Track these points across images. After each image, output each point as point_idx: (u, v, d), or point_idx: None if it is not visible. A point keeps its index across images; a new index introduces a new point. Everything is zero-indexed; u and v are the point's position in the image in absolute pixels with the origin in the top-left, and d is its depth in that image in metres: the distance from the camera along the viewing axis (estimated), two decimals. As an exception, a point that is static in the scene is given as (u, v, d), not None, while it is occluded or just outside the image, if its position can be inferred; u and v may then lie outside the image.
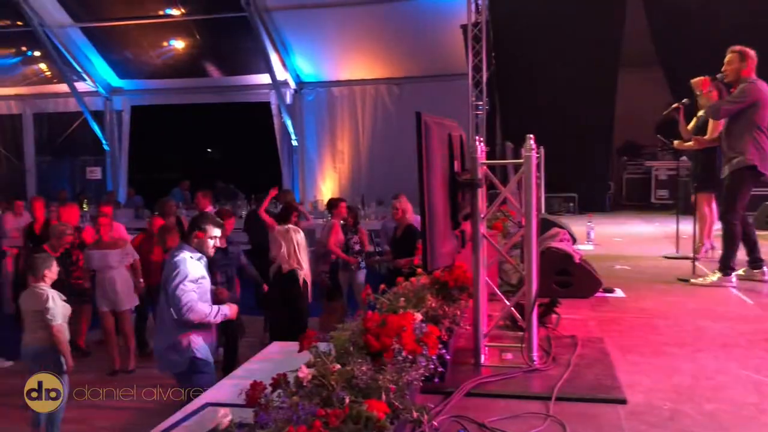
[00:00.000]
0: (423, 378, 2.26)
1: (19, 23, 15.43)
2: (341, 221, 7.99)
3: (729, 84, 5.47)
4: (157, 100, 16.88)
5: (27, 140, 17.64)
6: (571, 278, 4.80)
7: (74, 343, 6.50)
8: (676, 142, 6.66)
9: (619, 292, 5.06)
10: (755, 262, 5.51)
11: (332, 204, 8.29)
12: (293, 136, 15.84)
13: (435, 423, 2.25)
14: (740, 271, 5.46)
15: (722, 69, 5.40)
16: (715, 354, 3.45)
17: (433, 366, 2.32)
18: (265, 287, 6.53)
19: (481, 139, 3.43)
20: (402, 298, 2.90)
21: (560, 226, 5.91)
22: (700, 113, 6.23)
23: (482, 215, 3.13)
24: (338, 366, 2.03)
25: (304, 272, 5.09)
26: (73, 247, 7.34)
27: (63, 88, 16.50)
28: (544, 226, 5.74)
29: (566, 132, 11.23)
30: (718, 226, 6.03)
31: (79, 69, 16.18)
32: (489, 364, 3.13)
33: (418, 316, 2.58)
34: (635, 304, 4.71)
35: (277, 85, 15.19)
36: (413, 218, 7.06)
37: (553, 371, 3.05)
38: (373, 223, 11.08)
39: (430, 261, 2.74)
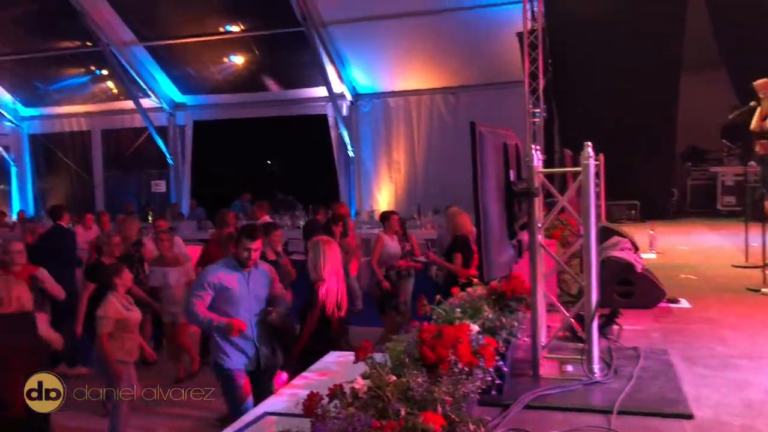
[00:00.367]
0: (480, 390, 2.24)
1: (88, 44, 16.14)
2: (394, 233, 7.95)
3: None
4: (218, 115, 17.32)
5: (96, 156, 18.40)
6: (632, 288, 4.70)
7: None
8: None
9: (684, 302, 4.89)
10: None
11: (384, 217, 8.30)
12: (350, 148, 16.00)
13: (493, 436, 2.23)
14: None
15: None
16: (789, 368, 3.30)
17: (490, 378, 2.30)
18: None
19: (538, 147, 3.40)
20: (458, 309, 2.88)
21: (621, 235, 5.78)
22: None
23: (539, 224, 3.10)
24: (394, 377, 2.03)
25: (328, 285, 4.98)
26: (133, 260, 7.47)
27: (129, 104, 17.12)
28: (605, 234, 5.63)
29: (627, 138, 11.00)
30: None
31: (144, 86, 16.79)
32: (548, 376, 3.07)
33: (475, 327, 2.56)
34: (701, 315, 4.56)
35: (334, 98, 15.41)
36: (470, 229, 7.00)
37: (614, 384, 2.97)
38: (430, 232, 11.07)
39: (487, 271, 2.72)
